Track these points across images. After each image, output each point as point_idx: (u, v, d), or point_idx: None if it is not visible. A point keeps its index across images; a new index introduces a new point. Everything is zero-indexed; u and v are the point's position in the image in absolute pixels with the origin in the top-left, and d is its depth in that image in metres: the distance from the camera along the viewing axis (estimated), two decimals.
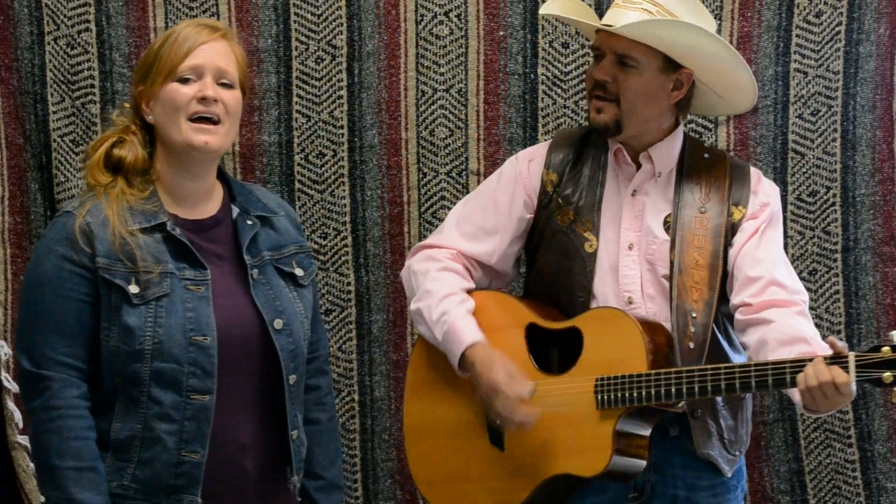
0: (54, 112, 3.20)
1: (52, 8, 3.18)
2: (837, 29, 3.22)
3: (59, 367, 2.23)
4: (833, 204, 3.25)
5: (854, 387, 2.24)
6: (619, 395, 2.42)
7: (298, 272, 2.44)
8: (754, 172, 2.62)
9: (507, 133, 3.26)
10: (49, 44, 3.19)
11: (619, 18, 2.52)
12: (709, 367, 2.38)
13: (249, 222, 2.40)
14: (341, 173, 3.27)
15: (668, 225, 2.55)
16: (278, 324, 2.34)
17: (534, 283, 2.69)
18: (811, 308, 3.21)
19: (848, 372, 2.22)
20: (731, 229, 2.54)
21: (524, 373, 2.50)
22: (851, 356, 2.23)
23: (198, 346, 2.25)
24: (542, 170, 2.64)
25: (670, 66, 2.53)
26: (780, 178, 3.24)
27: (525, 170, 2.67)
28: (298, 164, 3.26)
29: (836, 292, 3.25)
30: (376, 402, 3.30)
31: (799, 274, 3.24)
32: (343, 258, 3.28)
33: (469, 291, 2.64)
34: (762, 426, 3.27)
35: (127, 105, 2.42)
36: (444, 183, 3.27)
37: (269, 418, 2.36)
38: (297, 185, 3.26)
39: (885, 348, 2.20)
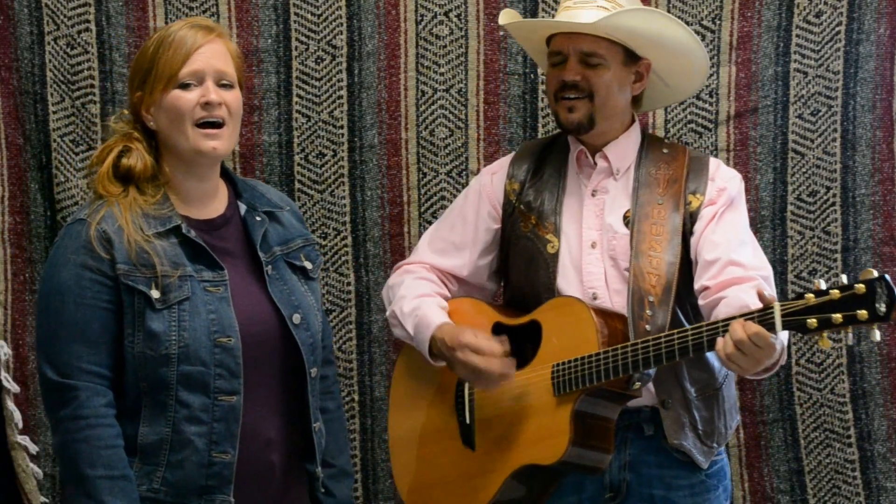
0: (54, 112, 3.20)
1: (52, 8, 3.18)
2: (837, 29, 3.21)
3: (84, 376, 2.23)
4: (833, 204, 3.24)
5: (774, 339, 2.21)
6: (573, 378, 2.45)
7: (307, 265, 2.47)
8: (713, 162, 2.64)
9: (507, 133, 3.26)
10: (49, 44, 3.19)
11: (576, 19, 2.55)
12: (650, 337, 2.39)
13: (258, 218, 2.42)
14: (341, 173, 3.27)
15: (628, 220, 2.57)
16: (296, 318, 2.36)
17: (509, 293, 2.74)
18: None
19: (774, 321, 2.20)
20: (690, 218, 2.56)
21: None
22: (777, 306, 2.21)
23: (223, 347, 2.26)
24: (504, 181, 2.70)
25: (631, 58, 2.58)
26: (780, 178, 3.24)
27: (488, 182, 2.73)
28: (298, 164, 3.26)
29: None
30: (376, 402, 3.30)
31: (798, 274, 3.26)
32: (343, 258, 3.28)
33: (444, 298, 2.70)
34: (762, 426, 3.27)
35: (125, 111, 2.41)
36: (444, 183, 3.27)
37: (291, 412, 2.38)
38: (297, 185, 3.26)
39: (809, 295, 2.17)
